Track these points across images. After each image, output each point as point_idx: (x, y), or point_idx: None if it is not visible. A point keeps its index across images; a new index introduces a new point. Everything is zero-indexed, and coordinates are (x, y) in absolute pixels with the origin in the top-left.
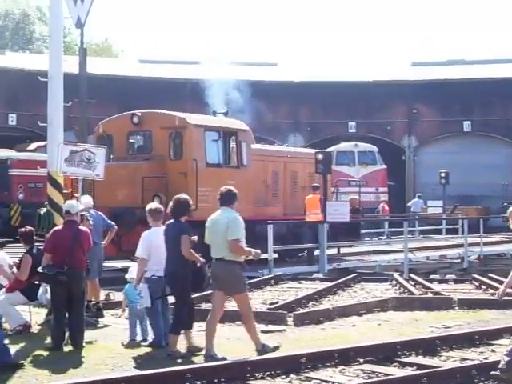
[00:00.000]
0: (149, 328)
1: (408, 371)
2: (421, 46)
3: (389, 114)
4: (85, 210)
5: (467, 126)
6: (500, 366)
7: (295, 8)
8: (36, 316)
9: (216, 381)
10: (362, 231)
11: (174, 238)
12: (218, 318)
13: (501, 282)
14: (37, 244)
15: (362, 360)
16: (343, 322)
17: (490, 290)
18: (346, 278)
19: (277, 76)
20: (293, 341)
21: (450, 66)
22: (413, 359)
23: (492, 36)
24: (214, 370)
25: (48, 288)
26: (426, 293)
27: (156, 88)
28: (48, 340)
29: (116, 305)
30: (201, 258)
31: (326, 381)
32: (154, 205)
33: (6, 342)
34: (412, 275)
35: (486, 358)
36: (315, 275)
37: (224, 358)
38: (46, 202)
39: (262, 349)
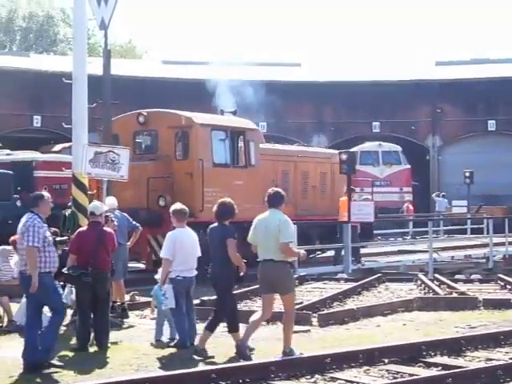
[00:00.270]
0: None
1: (433, 371)
2: (445, 44)
3: (413, 114)
4: (109, 211)
5: (492, 125)
6: None
7: (319, 8)
8: None
9: (241, 381)
10: (387, 231)
11: (219, 240)
12: (264, 319)
13: None
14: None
15: (386, 360)
16: (368, 323)
17: None
18: (370, 278)
19: (300, 76)
20: (317, 341)
21: (474, 65)
22: (438, 359)
23: None
24: (238, 371)
25: (73, 289)
26: (451, 293)
27: (180, 89)
28: (73, 341)
29: (141, 305)
30: (244, 267)
31: (350, 381)
32: (179, 205)
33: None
34: (437, 275)
35: (511, 359)
36: (339, 275)
37: (252, 349)
38: (70, 203)
39: (290, 352)
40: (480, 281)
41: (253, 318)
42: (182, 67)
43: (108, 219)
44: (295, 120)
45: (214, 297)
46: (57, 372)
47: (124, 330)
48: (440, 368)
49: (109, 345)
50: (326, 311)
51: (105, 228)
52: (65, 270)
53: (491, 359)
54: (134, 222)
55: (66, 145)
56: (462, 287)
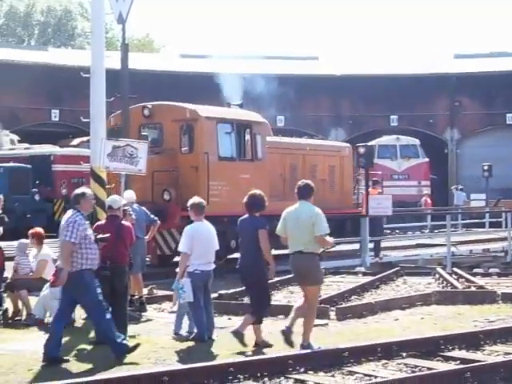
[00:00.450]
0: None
1: (451, 365)
2: (463, 37)
3: (431, 107)
4: (127, 204)
5: (510, 118)
6: None
7: (337, 2)
8: (80, 310)
9: (259, 375)
10: (405, 225)
11: (250, 232)
12: (315, 310)
13: None
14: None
15: (404, 354)
16: (386, 316)
17: None
18: (388, 272)
19: (318, 70)
20: (335, 335)
21: (492, 58)
22: (456, 353)
23: None
24: (256, 364)
25: None
26: (469, 287)
27: (197, 82)
28: (92, 334)
29: (159, 299)
30: (274, 264)
31: (368, 375)
32: (197, 199)
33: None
34: (455, 269)
35: None
36: (357, 269)
37: (270, 345)
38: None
39: (308, 346)
40: (498, 274)
41: (296, 308)
42: (199, 61)
43: (126, 213)
44: (313, 113)
45: (236, 290)
46: (72, 365)
47: (142, 324)
48: (458, 362)
49: (127, 338)
50: (343, 305)
51: (123, 222)
52: None
53: (510, 353)
54: (151, 216)
55: (84, 139)
56: (480, 281)
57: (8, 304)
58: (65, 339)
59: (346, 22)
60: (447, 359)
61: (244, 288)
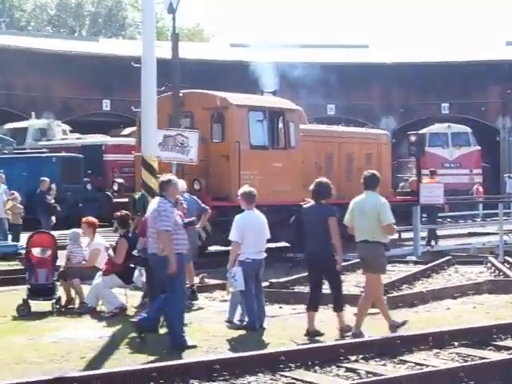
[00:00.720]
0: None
1: (504, 355)
2: None
3: (483, 95)
4: (179, 193)
5: None
6: None
7: None
8: (132, 299)
9: (310, 363)
10: (457, 213)
11: (318, 220)
12: (371, 300)
13: None
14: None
15: (456, 343)
16: (437, 305)
17: None
18: (439, 261)
19: (368, 58)
20: (386, 324)
21: None
22: (509, 343)
23: None
24: (307, 353)
25: (143, 271)
26: None
27: (247, 71)
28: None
29: (210, 288)
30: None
31: (420, 364)
32: (247, 188)
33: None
34: (507, 258)
35: None
36: (409, 258)
37: (321, 334)
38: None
39: (359, 334)
40: None
41: (360, 301)
42: (249, 50)
43: (177, 202)
44: (364, 102)
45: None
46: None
47: (194, 312)
48: (511, 351)
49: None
50: (395, 294)
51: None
52: (135, 253)
53: None
54: (203, 205)
55: (135, 128)
56: None
57: (61, 292)
58: (117, 327)
59: (395, 10)
60: (499, 349)
61: (308, 274)
